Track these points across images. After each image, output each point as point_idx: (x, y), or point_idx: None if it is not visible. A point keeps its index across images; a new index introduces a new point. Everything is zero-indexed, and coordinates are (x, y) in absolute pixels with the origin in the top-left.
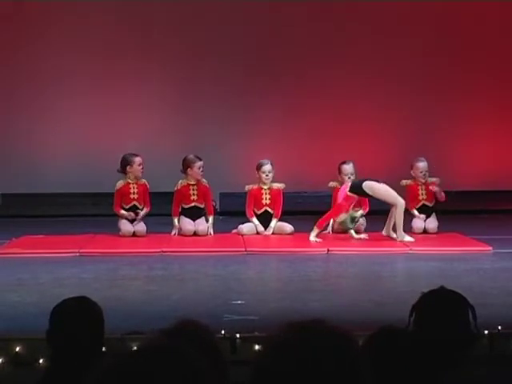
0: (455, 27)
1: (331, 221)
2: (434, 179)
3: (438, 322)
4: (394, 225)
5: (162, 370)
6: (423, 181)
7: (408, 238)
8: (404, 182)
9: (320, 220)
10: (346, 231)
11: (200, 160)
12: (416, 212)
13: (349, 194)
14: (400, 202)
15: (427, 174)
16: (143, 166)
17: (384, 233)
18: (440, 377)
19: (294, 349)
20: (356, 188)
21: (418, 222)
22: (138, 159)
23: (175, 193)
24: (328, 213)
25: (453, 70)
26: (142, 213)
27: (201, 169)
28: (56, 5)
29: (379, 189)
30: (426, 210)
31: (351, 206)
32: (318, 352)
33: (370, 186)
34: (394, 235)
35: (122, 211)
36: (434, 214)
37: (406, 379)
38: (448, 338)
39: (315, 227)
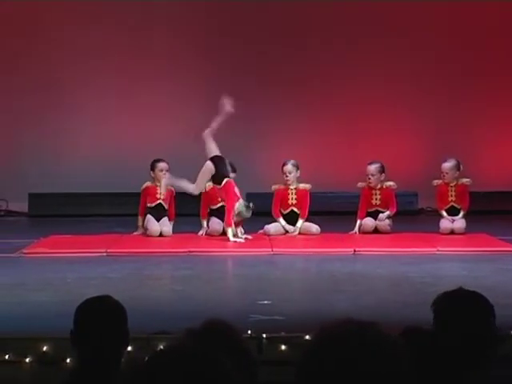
0: (482, 29)
1: (358, 221)
2: (464, 180)
3: (456, 323)
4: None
5: (185, 372)
6: (447, 181)
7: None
8: (435, 182)
9: (226, 219)
10: (243, 220)
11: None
12: (445, 213)
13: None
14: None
15: (449, 175)
16: (167, 171)
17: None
18: (464, 377)
19: (352, 346)
20: None
21: (446, 223)
22: (160, 165)
23: (203, 195)
24: (227, 211)
25: (481, 71)
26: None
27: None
28: (87, 5)
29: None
30: (454, 211)
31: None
32: (375, 353)
33: None
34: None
35: (140, 221)
36: (461, 214)
37: (432, 379)
38: (468, 339)
39: (227, 228)
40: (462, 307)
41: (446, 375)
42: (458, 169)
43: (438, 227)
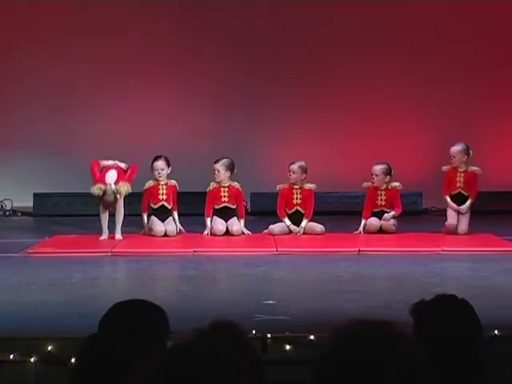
0: (492, 26)
1: (363, 221)
2: (474, 168)
3: (432, 327)
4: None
5: (207, 370)
6: (455, 165)
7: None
8: (444, 167)
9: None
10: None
11: (215, 162)
12: (449, 199)
13: None
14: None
15: (456, 159)
16: (162, 170)
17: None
18: (470, 377)
19: (366, 346)
20: None
21: (451, 219)
22: (155, 164)
23: (207, 193)
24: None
25: (487, 71)
26: (175, 217)
27: (215, 171)
28: (89, 5)
29: None
30: (461, 198)
31: None
32: (389, 352)
33: None
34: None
35: (145, 219)
36: (468, 202)
37: (438, 379)
38: (446, 341)
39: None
40: (437, 311)
41: (455, 373)
42: (467, 153)
43: (443, 226)
